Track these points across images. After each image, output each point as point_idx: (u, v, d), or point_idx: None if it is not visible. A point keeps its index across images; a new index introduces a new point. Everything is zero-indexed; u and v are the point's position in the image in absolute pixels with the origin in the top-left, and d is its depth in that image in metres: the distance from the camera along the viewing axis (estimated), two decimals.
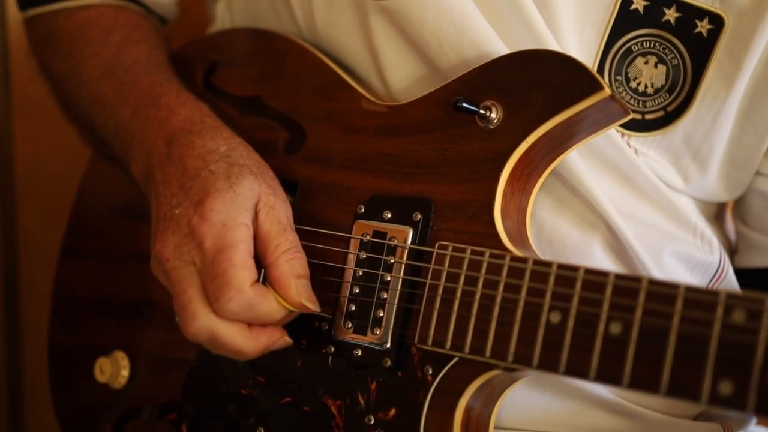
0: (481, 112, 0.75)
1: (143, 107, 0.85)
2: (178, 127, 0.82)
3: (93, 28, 0.94)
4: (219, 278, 0.72)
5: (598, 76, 0.71)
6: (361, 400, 0.76)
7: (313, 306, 0.75)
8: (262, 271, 0.77)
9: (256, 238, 0.76)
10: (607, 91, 0.71)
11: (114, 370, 0.93)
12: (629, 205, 0.83)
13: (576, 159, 0.80)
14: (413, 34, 0.81)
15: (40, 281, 1.21)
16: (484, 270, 0.70)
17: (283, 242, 0.75)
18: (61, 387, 1.02)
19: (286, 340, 0.77)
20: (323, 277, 0.79)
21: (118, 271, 0.99)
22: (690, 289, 0.60)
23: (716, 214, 0.93)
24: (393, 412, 0.75)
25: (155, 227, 0.78)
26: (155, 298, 0.92)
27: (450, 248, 0.73)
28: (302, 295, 0.74)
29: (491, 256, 0.70)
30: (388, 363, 0.75)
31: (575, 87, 0.72)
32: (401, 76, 0.85)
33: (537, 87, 0.73)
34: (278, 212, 0.77)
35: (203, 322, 0.73)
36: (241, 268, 0.72)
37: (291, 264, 0.75)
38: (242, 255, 0.73)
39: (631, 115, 0.75)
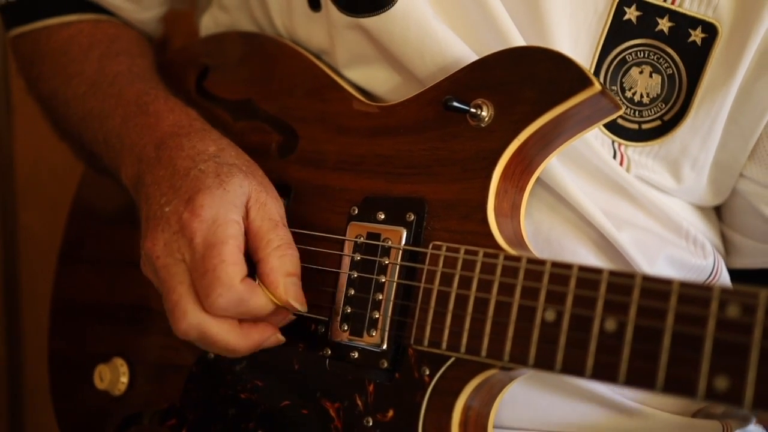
0: (472, 110, 0.74)
1: (131, 116, 0.85)
2: (167, 131, 0.82)
3: (73, 47, 0.95)
4: (209, 274, 0.71)
5: (588, 72, 0.71)
6: (359, 402, 0.76)
7: (298, 306, 0.74)
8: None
9: (248, 235, 0.75)
10: (598, 86, 0.70)
11: (113, 377, 0.93)
12: (624, 211, 0.82)
13: (561, 170, 0.79)
14: (396, 50, 0.81)
15: (40, 281, 1.21)
16: (478, 269, 0.70)
17: (274, 238, 0.75)
18: (62, 394, 1.02)
19: (278, 337, 0.76)
20: (318, 279, 0.79)
21: (115, 277, 0.99)
22: (684, 285, 0.60)
23: (711, 216, 0.92)
24: (391, 413, 0.74)
25: (145, 227, 0.78)
26: (153, 304, 0.92)
27: (444, 248, 0.73)
28: (290, 294, 0.74)
29: (485, 255, 0.70)
30: (385, 364, 0.75)
31: (565, 83, 0.71)
32: (376, 84, 0.86)
33: (527, 84, 0.73)
34: (270, 208, 0.76)
35: (193, 320, 0.72)
36: (231, 264, 0.72)
37: (282, 261, 0.74)
38: (232, 251, 0.72)
39: (623, 110, 0.74)
